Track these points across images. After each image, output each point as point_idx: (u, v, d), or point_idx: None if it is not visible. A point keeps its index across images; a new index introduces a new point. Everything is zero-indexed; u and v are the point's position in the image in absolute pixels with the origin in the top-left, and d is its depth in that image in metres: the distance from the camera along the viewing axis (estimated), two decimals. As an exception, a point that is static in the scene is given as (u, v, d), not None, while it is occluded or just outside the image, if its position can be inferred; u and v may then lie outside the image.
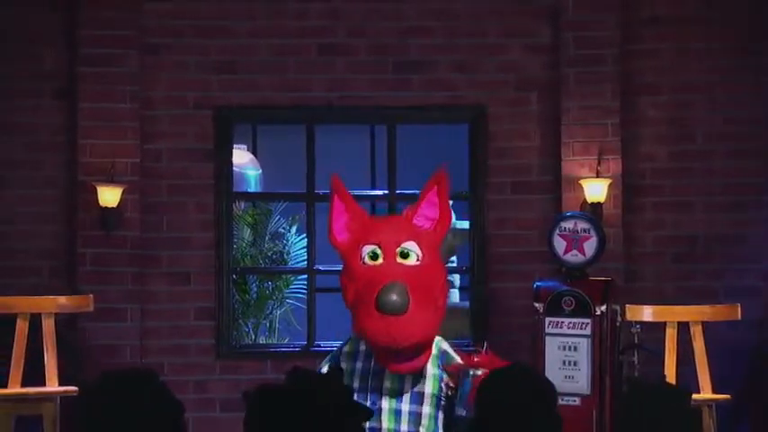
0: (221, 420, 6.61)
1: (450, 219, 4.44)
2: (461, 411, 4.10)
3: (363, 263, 4.22)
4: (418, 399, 4.19)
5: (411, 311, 4.05)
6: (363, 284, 4.16)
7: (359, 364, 4.24)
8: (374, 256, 4.21)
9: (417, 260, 4.23)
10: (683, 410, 2.72)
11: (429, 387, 4.22)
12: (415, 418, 4.17)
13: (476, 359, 4.13)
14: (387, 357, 4.14)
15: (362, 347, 4.28)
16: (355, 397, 4.10)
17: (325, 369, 4.26)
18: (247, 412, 2.63)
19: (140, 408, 2.55)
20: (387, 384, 4.19)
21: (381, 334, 4.05)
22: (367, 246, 4.23)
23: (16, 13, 6.72)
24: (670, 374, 5.46)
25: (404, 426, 4.17)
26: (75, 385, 5.34)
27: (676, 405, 2.72)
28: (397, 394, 4.18)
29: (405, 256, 4.22)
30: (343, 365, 4.25)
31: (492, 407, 2.77)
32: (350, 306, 4.24)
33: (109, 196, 6.56)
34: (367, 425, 4.00)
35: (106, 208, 6.56)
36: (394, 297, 4.04)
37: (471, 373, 4.08)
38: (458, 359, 4.26)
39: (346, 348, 4.32)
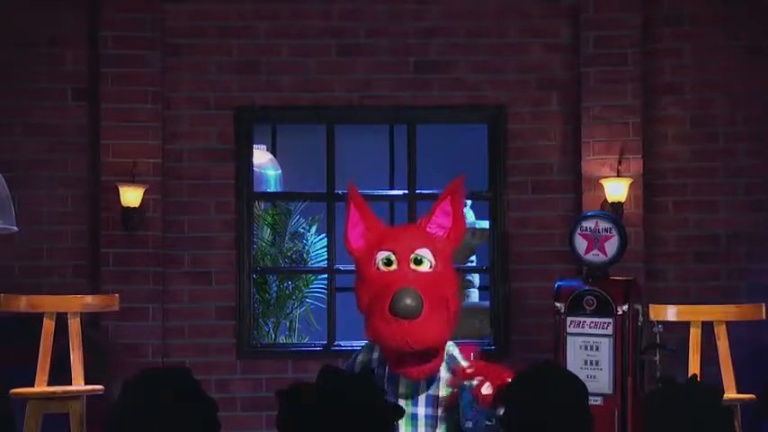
0: (242, 419, 6.63)
1: (464, 229, 4.50)
2: (468, 423, 4.14)
3: (377, 269, 4.27)
4: (433, 402, 4.22)
5: (424, 316, 4.11)
6: (377, 289, 4.21)
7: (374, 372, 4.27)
8: (388, 263, 4.28)
9: (430, 267, 4.29)
10: (716, 409, 2.73)
11: (442, 390, 4.25)
12: (432, 421, 4.20)
13: (468, 371, 4.16)
14: (399, 362, 4.17)
15: (375, 355, 4.32)
16: None
17: None
18: (280, 411, 2.64)
19: (177, 406, 2.57)
20: (402, 389, 4.22)
21: (395, 337, 4.10)
22: (381, 252, 4.29)
23: (39, 14, 6.76)
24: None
25: (421, 429, 4.20)
26: (98, 384, 5.36)
27: (710, 404, 2.72)
28: (412, 399, 4.21)
29: (418, 262, 4.28)
30: None
31: (524, 405, 2.77)
32: (363, 311, 4.28)
33: (131, 196, 6.59)
34: None
35: (128, 208, 6.59)
36: (408, 301, 4.09)
37: (467, 384, 4.11)
38: (464, 363, 4.29)
39: (360, 358, 4.36)
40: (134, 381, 2.61)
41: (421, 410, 4.22)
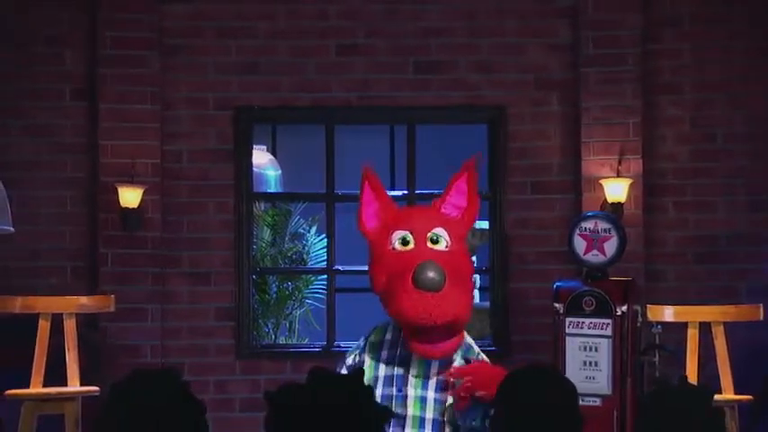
0: (241, 420, 6.63)
1: (478, 208, 4.50)
2: (458, 421, 4.15)
3: (393, 248, 4.28)
4: (444, 386, 4.21)
5: (447, 289, 4.11)
6: (397, 268, 4.20)
7: (384, 353, 4.28)
8: (405, 242, 4.29)
9: (446, 247, 4.29)
10: (707, 411, 2.72)
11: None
12: (440, 405, 4.20)
13: (459, 370, 4.15)
14: (418, 339, 4.15)
15: (388, 336, 4.32)
16: (381, 384, 4.15)
17: (349, 360, 4.32)
18: (268, 412, 2.64)
19: (163, 406, 2.56)
20: (413, 372, 4.22)
21: (419, 311, 4.09)
22: (398, 232, 4.30)
23: (37, 14, 6.77)
24: (691, 375, 5.43)
25: (429, 413, 4.19)
26: (96, 385, 5.37)
27: (700, 406, 2.71)
28: (422, 382, 4.21)
29: (435, 241, 4.30)
30: (369, 356, 4.29)
31: (510, 406, 2.77)
32: (381, 291, 4.28)
33: (130, 197, 6.58)
34: (394, 411, 4.01)
35: (127, 208, 6.58)
36: (431, 274, 4.10)
37: (456, 382, 4.12)
38: (481, 355, 4.29)
39: (372, 338, 4.36)
40: (122, 382, 2.60)
41: (431, 394, 4.21)
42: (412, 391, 4.21)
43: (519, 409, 2.77)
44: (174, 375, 2.69)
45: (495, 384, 3.71)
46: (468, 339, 4.34)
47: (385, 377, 4.22)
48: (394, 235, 4.31)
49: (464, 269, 4.32)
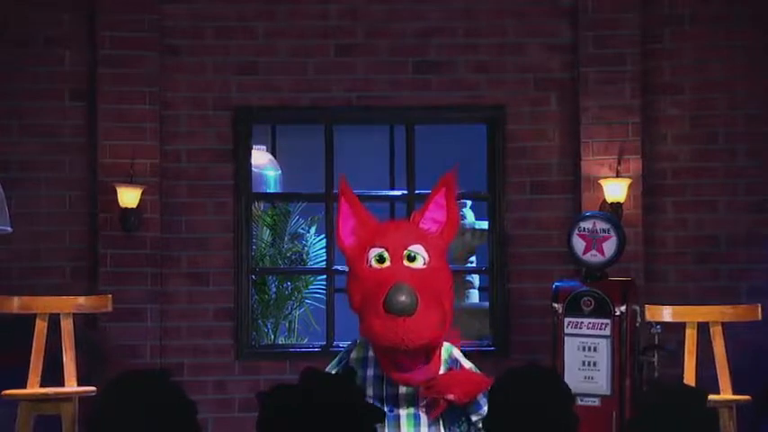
0: (240, 420, 6.62)
1: (458, 222, 4.44)
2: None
3: (370, 266, 4.21)
4: (434, 403, 4.17)
5: (419, 313, 4.05)
6: (370, 287, 4.15)
7: (370, 371, 4.22)
8: (381, 260, 4.21)
9: (424, 264, 4.22)
10: (700, 411, 2.72)
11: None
12: (434, 421, 4.16)
13: (433, 381, 4.13)
14: (393, 365, 4.11)
15: (371, 353, 4.26)
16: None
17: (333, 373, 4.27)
18: (260, 413, 2.64)
19: (152, 407, 2.56)
20: (402, 391, 4.18)
21: (390, 335, 4.04)
22: (374, 249, 4.23)
23: (37, 14, 6.77)
24: (690, 375, 5.41)
25: (424, 429, 4.16)
26: (96, 385, 5.36)
27: (693, 406, 2.71)
28: (413, 400, 4.17)
29: (411, 259, 4.22)
30: None
31: (504, 407, 2.76)
32: (356, 309, 4.23)
33: (129, 197, 6.58)
34: (386, 431, 4.01)
35: (126, 208, 6.58)
36: (403, 298, 4.03)
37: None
38: (467, 366, 4.25)
39: (354, 354, 4.30)
40: (113, 383, 2.60)
41: (423, 410, 4.19)
42: (404, 410, 4.17)
43: (513, 410, 2.77)
44: (166, 376, 2.69)
45: (469, 389, 3.67)
46: (456, 354, 4.29)
47: (374, 397, 4.16)
48: (370, 252, 4.23)
49: (440, 287, 4.22)
